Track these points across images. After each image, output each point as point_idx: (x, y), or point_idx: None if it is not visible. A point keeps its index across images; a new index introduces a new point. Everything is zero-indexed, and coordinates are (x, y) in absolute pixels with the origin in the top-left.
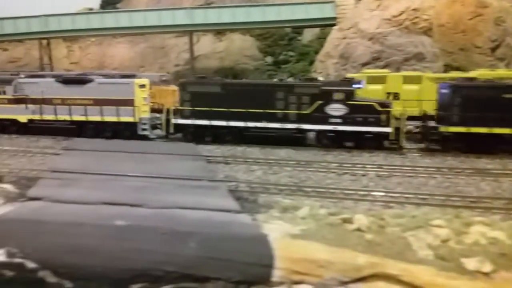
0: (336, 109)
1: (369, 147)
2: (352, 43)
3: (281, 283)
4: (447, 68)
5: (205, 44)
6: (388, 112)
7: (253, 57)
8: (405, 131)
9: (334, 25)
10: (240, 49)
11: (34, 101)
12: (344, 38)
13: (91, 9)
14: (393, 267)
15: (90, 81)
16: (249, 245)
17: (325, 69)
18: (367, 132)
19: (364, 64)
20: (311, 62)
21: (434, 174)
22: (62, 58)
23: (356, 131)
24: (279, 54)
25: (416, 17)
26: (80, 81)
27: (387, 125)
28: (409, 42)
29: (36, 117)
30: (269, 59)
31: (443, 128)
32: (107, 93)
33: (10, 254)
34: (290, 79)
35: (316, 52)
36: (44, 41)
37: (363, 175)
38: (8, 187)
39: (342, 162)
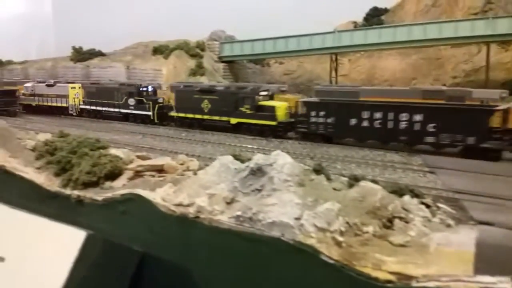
0: (132, 101)
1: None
2: None
3: None
4: None
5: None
6: (152, 103)
7: None
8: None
9: None
10: None
11: (38, 95)
12: None
13: (355, 22)
14: None
15: (55, 85)
16: None
17: None
18: (141, 114)
19: None
20: None
21: None
22: (332, 70)
23: (137, 113)
24: None
25: None
26: (51, 85)
27: (149, 110)
28: None
29: (38, 103)
30: None
31: (169, 113)
32: (60, 91)
33: None
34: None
35: None
36: (333, 56)
37: None
38: (446, 207)
39: None
